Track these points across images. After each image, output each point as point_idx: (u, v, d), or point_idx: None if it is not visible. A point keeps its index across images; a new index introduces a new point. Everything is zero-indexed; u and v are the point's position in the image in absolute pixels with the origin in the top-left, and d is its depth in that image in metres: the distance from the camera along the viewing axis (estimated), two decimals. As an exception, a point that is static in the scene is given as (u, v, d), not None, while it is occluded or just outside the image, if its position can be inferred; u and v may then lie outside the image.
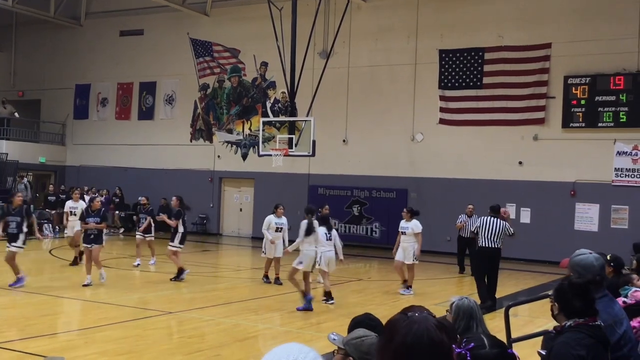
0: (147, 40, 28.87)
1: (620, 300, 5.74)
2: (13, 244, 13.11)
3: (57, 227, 24.23)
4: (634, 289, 6.41)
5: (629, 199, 20.39)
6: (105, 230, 14.28)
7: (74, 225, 16.57)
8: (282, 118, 23.71)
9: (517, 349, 4.45)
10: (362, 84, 24.33)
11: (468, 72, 22.63)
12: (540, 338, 5.07)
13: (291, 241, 13.11)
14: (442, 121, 23.02)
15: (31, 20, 30.39)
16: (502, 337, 5.89)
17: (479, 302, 7.96)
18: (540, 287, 15.24)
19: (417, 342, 1.98)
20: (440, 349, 2.00)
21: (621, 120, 20.41)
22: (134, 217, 18.87)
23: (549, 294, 4.52)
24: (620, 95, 20.40)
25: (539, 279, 17.15)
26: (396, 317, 2.09)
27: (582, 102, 20.90)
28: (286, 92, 21.00)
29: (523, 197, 21.65)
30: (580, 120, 20.96)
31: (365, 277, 17.44)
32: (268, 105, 26.46)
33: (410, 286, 14.08)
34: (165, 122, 28.61)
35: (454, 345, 2.15)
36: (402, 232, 14.08)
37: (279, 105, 26.11)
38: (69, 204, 17.77)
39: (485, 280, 12.74)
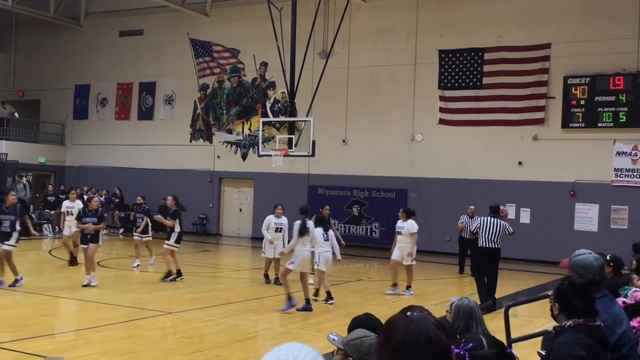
0: (147, 40, 28.87)
1: (620, 300, 5.74)
2: (6, 242, 13.09)
3: (56, 227, 24.22)
4: (633, 289, 6.41)
5: (628, 199, 20.39)
6: (105, 231, 14.26)
7: (70, 225, 16.53)
8: (281, 118, 23.71)
9: (516, 349, 4.45)
10: (362, 84, 24.33)
11: (468, 73, 22.64)
12: (540, 338, 5.07)
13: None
14: (442, 121, 23.02)
15: (31, 21, 30.39)
16: (502, 337, 5.89)
17: (478, 302, 7.96)
18: (540, 288, 15.24)
19: (415, 341, 1.98)
20: (439, 348, 2.00)
21: (621, 120, 20.41)
22: (130, 217, 18.80)
23: (549, 294, 4.52)
24: (620, 96, 20.40)
25: (539, 279, 17.15)
26: (395, 317, 2.09)
27: (582, 102, 20.91)
28: (286, 92, 21.01)
29: (523, 197, 21.66)
30: (580, 120, 20.96)
31: (365, 277, 17.44)
32: (268, 105, 26.46)
33: (410, 286, 14.08)
34: (165, 123, 28.61)
35: (452, 346, 2.15)
36: (398, 232, 14.08)
37: (279, 105, 26.11)
38: (65, 204, 17.77)
39: (485, 280, 12.75)
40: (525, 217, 21.64)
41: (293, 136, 18.48)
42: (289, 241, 12.89)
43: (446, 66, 22.99)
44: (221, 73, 27.47)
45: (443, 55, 23.03)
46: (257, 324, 10.91)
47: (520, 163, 21.86)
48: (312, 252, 12.15)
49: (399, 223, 14.07)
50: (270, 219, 14.56)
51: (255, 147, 23.86)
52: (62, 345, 9.14)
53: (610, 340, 3.81)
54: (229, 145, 27.17)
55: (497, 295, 12.78)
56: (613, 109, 20.52)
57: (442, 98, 23.07)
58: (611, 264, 6.42)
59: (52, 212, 24.81)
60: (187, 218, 26.89)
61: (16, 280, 13.12)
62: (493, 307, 12.08)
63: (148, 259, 17.04)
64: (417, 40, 23.43)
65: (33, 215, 25.33)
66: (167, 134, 28.22)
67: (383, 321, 2.23)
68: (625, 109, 20.37)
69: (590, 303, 3.75)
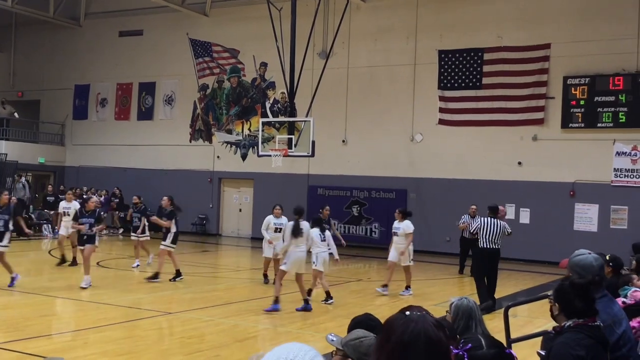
0: (147, 40, 28.88)
1: (620, 300, 5.74)
2: None
3: (55, 227, 24.21)
4: (633, 289, 6.41)
5: (628, 199, 20.40)
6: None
7: (67, 226, 16.50)
8: (281, 118, 23.70)
9: (516, 349, 4.45)
10: (362, 85, 24.33)
11: (467, 73, 22.64)
12: (540, 338, 5.07)
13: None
14: (442, 121, 23.02)
15: (30, 21, 30.39)
16: (502, 337, 5.89)
17: (478, 302, 7.95)
18: (539, 288, 15.24)
19: (414, 340, 1.98)
20: (438, 348, 2.00)
21: (620, 120, 20.41)
22: (127, 216, 18.73)
23: (548, 294, 4.53)
24: (620, 96, 20.40)
25: (539, 280, 17.15)
26: (394, 316, 2.09)
27: (582, 102, 20.91)
28: (285, 92, 21.01)
29: (522, 197, 21.66)
30: (580, 120, 20.97)
31: (365, 277, 17.43)
32: (267, 105, 26.46)
33: (409, 286, 14.06)
34: (164, 123, 28.61)
35: (451, 346, 2.15)
36: (394, 233, 14.06)
37: (279, 105, 26.11)
38: (62, 204, 17.72)
39: (485, 281, 12.74)
40: (524, 217, 21.64)
41: (293, 136, 18.48)
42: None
43: (446, 66, 22.99)
44: (221, 73, 27.47)
45: (443, 56, 23.03)
46: (257, 324, 10.91)
47: (519, 163, 21.87)
48: (308, 253, 12.08)
49: (395, 224, 14.04)
50: (270, 219, 14.56)
51: (255, 147, 23.86)
52: (61, 345, 9.13)
53: (609, 341, 3.81)
54: (229, 145, 27.17)
55: (496, 296, 12.79)
56: (613, 109, 20.52)
57: (441, 98, 23.07)
58: (610, 264, 6.42)
59: (52, 212, 24.80)
60: (186, 218, 26.98)
61: (12, 279, 13.06)
62: (493, 307, 12.08)
63: (146, 259, 17.02)
64: (416, 41, 23.43)
65: (33, 215, 25.37)
66: (167, 134, 28.22)
67: (383, 321, 2.23)
68: (625, 109, 20.37)
69: (590, 303, 3.75)
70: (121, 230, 26.32)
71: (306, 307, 11.77)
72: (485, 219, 12.75)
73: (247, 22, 26.00)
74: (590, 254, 4.42)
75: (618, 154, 20.61)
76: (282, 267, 11.93)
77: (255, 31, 25.12)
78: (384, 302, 13.08)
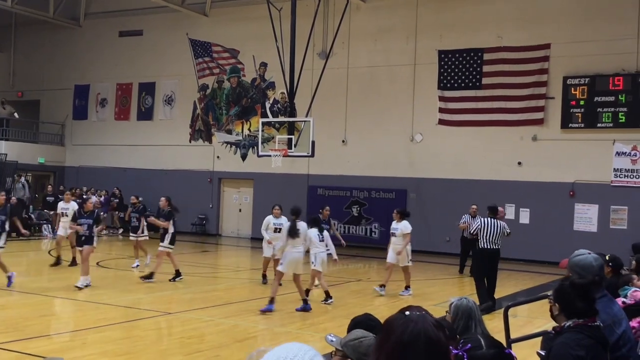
0: (146, 40, 28.87)
1: (620, 300, 5.73)
2: None
3: (55, 228, 24.21)
4: (633, 289, 6.41)
5: (628, 199, 20.39)
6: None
7: (66, 227, 16.46)
8: (281, 119, 23.69)
9: (516, 349, 4.44)
10: (362, 85, 24.33)
11: (467, 73, 22.64)
12: (540, 338, 5.07)
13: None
14: (442, 122, 23.02)
15: (30, 21, 30.38)
16: (502, 337, 5.89)
17: (478, 303, 7.95)
18: (539, 288, 15.24)
19: (413, 340, 1.98)
20: (438, 348, 1.99)
21: (620, 120, 20.41)
22: (125, 217, 18.66)
23: (548, 294, 4.52)
24: (620, 96, 20.40)
25: (538, 280, 17.15)
26: (393, 316, 2.08)
27: (581, 102, 20.91)
28: (285, 92, 21.01)
29: (522, 197, 21.66)
30: (580, 120, 20.97)
31: (365, 277, 17.43)
32: (267, 105, 26.46)
33: (409, 286, 14.05)
34: (164, 123, 28.61)
35: (451, 347, 2.15)
36: (392, 233, 14.03)
37: (278, 105, 26.11)
38: (60, 205, 17.65)
39: (485, 281, 12.74)
40: (524, 217, 21.64)
41: (292, 136, 18.47)
42: None
43: (446, 66, 22.99)
44: (221, 73, 27.47)
45: (442, 56, 23.03)
46: (257, 324, 10.91)
47: (519, 163, 21.86)
48: (306, 253, 12.05)
49: (394, 224, 13.99)
50: (269, 220, 14.55)
51: (255, 147, 23.85)
52: (61, 345, 9.13)
53: (609, 341, 3.81)
54: (229, 145, 27.17)
55: (496, 296, 12.79)
56: (612, 109, 20.52)
57: (441, 98, 23.07)
58: (610, 264, 6.41)
59: (51, 212, 24.79)
60: (186, 218, 27.00)
61: (9, 278, 13.03)
62: (492, 308, 12.08)
63: (145, 259, 16.97)
64: (416, 41, 23.43)
65: (33, 216, 25.37)
66: (167, 135, 28.21)
67: (382, 321, 2.23)
68: (625, 109, 20.37)
69: (591, 303, 3.75)
70: (121, 231, 26.31)
71: (305, 307, 11.77)
72: (485, 219, 12.76)
73: (247, 22, 26.00)
74: (590, 254, 4.42)
75: (618, 154, 20.61)
76: (279, 268, 11.93)
77: (255, 31, 25.11)
78: (383, 302, 13.08)
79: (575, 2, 21.37)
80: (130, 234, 16.97)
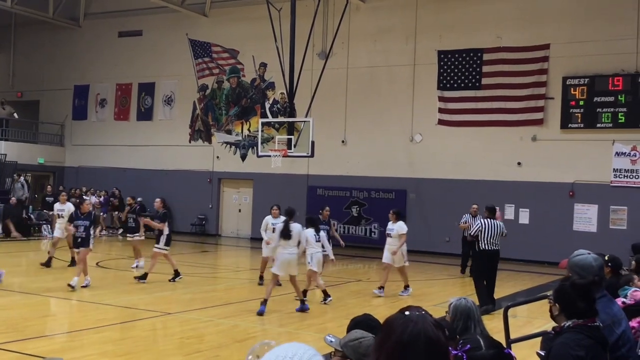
0: (146, 41, 28.87)
1: (620, 300, 5.73)
2: None
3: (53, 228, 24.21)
4: (633, 289, 6.40)
5: (627, 199, 20.39)
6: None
7: (62, 228, 16.39)
8: (281, 119, 23.67)
9: (515, 349, 4.45)
10: (361, 85, 24.33)
11: (467, 73, 22.64)
12: (539, 339, 5.07)
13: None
14: (441, 122, 23.02)
15: (30, 21, 30.38)
16: (501, 337, 5.89)
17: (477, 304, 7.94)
18: (538, 288, 15.24)
19: (413, 340, 1.98)
20: (438, 348, 1.99)
21: (620, 121, 20.41)
22: (122, 218, 18.64)
23: (548, 294, 4.52)
24: (619, 96, 20.41)
25: (538, 280, 17.15)
26: (393, 316, 2.08)
27: (581, 102, 20.92)
28: (285, 92, 21.00)
29: (522, 198, 21.66)
30: (579, 121, 20.97)
31: (364, 278, 17.43)
32: (267, 106, 26.46)
33: (407, 286, 14.02)
34: (164, 123, 28.61)
35: (450, 347, 2.15)
36: (387, 234, 14.00)
37: (278, 106, 26.11)
38: (56, 206, 17.56)
39: (484, 282, 12.74)
40: (524, 217, 21.64)
41: (292, 137, 18.46)
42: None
43: (445, 67, 22.99)
44: (220, 74, 27.47)
45: (442, 56, 23.03)
46: (257, 325, 10.91)
47: (519, 164, 21.86)
48: (296, 254, 11.98)
49: (389, 225, 13.94)
50: (268, 220, 14.52)
51: (255, 147, 23.85)
52: (60, 346, 9.13)
53: (609, 341, 3.81)
54: (228, 145, 27.16)
55: (496, 296, 12.80)
56: (612, 109, 20.52)
57: (441, 99, 23.07)
58: (609, 264, 6.41)
59: (51, 212, 24.76)
60: (186, 218, 27.03)
61: None
62: (492, 309, 12.09)
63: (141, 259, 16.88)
64: (416, 41, 23.43)
65: (32, 216, 25.35)
66: (166, 135, 28.21)
67: (382, 321, 2.23)
68: (624, 109, 20.38)
69: (591, 304, 3.75)
70: (120, 231, 26.30)
71: (303, 308, 11.76)
72: (485, 220, 12.76)
73: (246, 22, 26.00)
74: (589, 254, 4.42)
75: (617, 154, 20.61)
76: (272, 270, 11.90)
77: (254, 31, 25.11)
78: (383, 303, 13.07)
79: (575, 2, 21.38)
80: (127, 235, 16.96)
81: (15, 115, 30.54)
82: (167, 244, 14.71)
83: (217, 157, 27.26)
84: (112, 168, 28.98)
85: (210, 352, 8.90)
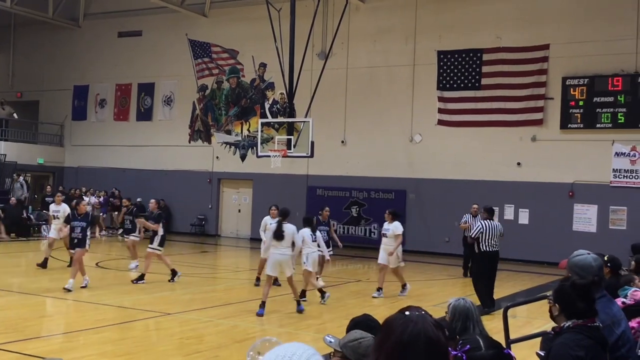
0: (146, 41, 28.87)
1: (620, 300, 5.73)
2: None
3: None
4: (633, 289, 6.40)
5: (627, 199, 20.40)
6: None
7: (57, 229, 16.36)
8: (280, 119, 23.67)
9: (515, 350, 4.44)
10: (361, 85, 24.33)
11: (466, 73, 22.64)
12: (539, 339, 5.07)
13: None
14: (441, 122, 23.02)
15: (29, 21, 30.37)
16: (501, 338, 5.88)
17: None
18: (538, 288, 15.24)
19: (413, 340, 1.97)
20: (438, 348, 1.99)
21: (619, 121, 20.42)
22: (119, 219, 18.62)
23: (548, 295, 4.52)
24: (619, 97, 20.41)
25: (537, 280, 17.14)
26: (393, 316, 2.08)
27: (581, 103, 20.92)
28: (285, 93, 21.00)
29: (521, 198, 21.66)
30: (579, 121, 20.97)
31: (364, 278, 17.42)
32: (266, 106, 26.46)
33: (405, 285, 13.96)
34: (163, 123, 28.60)
35: (450, 348, 2.14)
36: (383, 234, 13.95)
37: (278, 106, 26.11)
38: (51, 207, 17.48)
39: (484, 284, 12.76)
40: (524, 218, 21.64)
41: (292, 137, 18.47)
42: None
43: (445, 67, 22.99)
44: (220, 74, 27.47)
45: (442, 56, 23.03)
46: (256, 325, 10.90)
47: (519, 164, 21.86)
48: (290, 255, 11.94)
49: (385, 225, 13.87)
50: (266, 220, 14.51)
51: (254, 148, 23.85)
52: (60, 346, 9.12)
53: (608, 341, 3.81)
54: (228, 146, 27.16)
55: (495, 296, 12.80)
56: (611, 109, 20.52)
57: (440, 99, 23.07)
58: (609, 264, 6.41)
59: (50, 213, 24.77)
60: (185, 219, 27.03)
61: None
62: (492, 310, 12.10)
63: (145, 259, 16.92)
64: (415, 41, 23.44)
65: (32, 216, 25.34)
66: (166, 135, 28.21)
67: (381, 322, 2.22)
68: (624, 109, 20.38)
69: (591, 304, 3.75)
70: (120, 231, 26.28)
71: (298, 309, 11.74)
72: (484, 221, 12.76)
73: (246, 22, 26.00)
74: (589, 254, 4.42)
75: (617, 154, 20.61)
76: (268, 272, 11.88)
77: (254, 32, 25.11)
78: (382, 303, 13.07)
79: (575, 2, 21.38)
80: (124, 236, 16.98)
81: (15, 115, 30.53)
82: (161, 244, 14.71)
83: (217, 157, 27.26)
84: (111, 168, 28.98)
85: (209, 353, 8.89)
